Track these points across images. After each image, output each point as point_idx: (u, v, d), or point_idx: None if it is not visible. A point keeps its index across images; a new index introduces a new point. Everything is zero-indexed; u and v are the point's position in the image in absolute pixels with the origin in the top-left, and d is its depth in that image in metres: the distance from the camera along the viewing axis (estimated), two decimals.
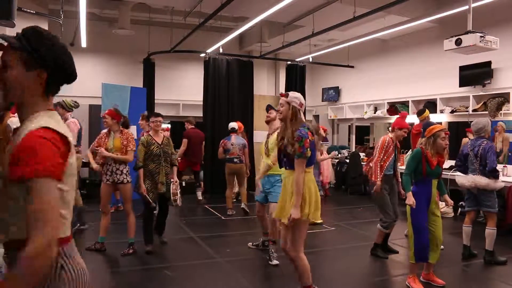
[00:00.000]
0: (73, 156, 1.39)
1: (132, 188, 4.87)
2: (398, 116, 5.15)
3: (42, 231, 1.18)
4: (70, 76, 1.44)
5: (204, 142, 8.44)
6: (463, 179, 4.78)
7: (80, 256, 1.45)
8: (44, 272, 1.23)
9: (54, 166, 1.24)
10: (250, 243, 5.15)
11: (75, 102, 6.10)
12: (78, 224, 5.69)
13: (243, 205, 7.00)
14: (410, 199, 3.78)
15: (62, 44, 1.43)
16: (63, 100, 5.93)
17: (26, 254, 1.17)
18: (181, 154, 7.64)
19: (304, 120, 3.26)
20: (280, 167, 3.43)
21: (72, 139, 1.41)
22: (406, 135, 4.88)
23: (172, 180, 4.94)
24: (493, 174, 4.56)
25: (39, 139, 1.24)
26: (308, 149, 3.08)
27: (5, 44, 1.35)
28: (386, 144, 4.73)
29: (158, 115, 5.04)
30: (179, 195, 4.96)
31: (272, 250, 4.54)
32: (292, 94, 3.27)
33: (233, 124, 7.20)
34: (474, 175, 4.69)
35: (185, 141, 7.85)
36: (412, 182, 3.88)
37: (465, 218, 4.84)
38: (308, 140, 3.08)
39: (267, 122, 4.58)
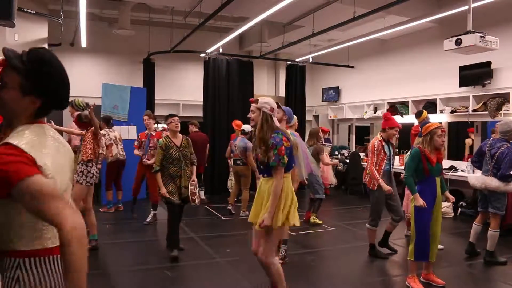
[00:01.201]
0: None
1: (82, 190, 4.69)
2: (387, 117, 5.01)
3: (65, 218, 1.18)
4: (62, 104, 1.46)
5: (208, 145, 8.31)
6: (475, 180, 4.76)
7: (58, 275, 1.38)
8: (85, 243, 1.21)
9: (23, 168, 1.22)
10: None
11: (86, 104, 6.11)
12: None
13: (242, 213, 6.90)
14: (419, 201, 3.75)
15: (62, 72, 1.42)
16: (75, 99, 6.00)
17: (64, 235, 1.16)
18: None
19: (277, 126, 3.17)
20: (259, 173, 3.38)
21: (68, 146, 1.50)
22: (397, 134, 4.80)
23: (191, 180, 4.77)
24: (504, 180, 4.46)
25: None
26: (285, 156, 3.02)
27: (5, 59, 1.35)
28: (375, 148, 4.69)
29: (174, 115, 4.90)
30: (197, 194, 4.81)
31: (283, 250, 4.52)
32: (262, 99, 3.18)
33: (243, 126, 7.17)
34: (486, 175, 4.65)
35: None
36: (415, 181, 3.87)
37: (478, 217, 4.84)
38: (283, 147, 3.01)
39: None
